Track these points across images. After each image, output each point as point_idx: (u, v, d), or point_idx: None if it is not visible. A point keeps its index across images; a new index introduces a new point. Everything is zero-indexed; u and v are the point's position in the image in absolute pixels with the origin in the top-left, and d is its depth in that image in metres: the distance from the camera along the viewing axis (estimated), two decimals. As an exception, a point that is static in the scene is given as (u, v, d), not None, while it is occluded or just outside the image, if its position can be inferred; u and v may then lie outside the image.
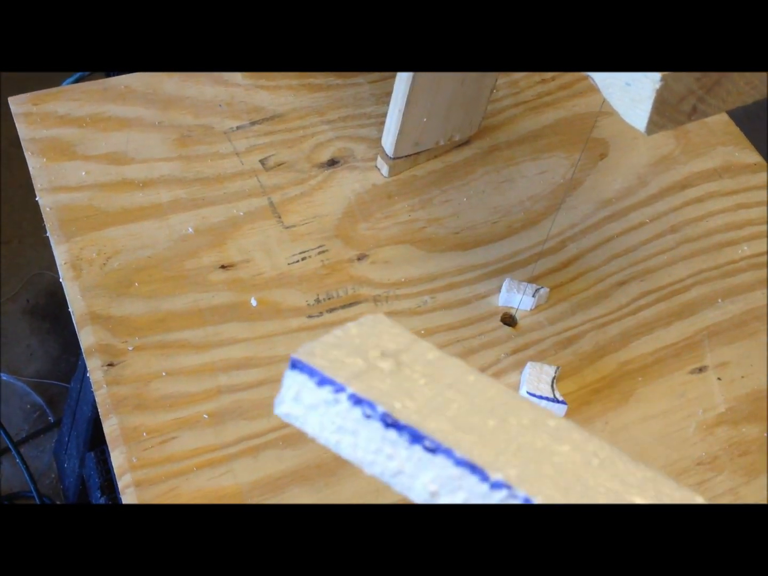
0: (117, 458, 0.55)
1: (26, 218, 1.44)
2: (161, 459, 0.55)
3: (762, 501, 0.58)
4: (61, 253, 0.63)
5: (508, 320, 0.65)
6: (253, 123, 0.72)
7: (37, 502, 1.12)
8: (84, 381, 1.02)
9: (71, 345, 1.34)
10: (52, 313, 1.38)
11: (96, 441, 0.98)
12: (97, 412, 0.57)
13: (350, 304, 0.64)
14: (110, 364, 0.58)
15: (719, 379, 0.63)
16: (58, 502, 1.21)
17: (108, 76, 0.75)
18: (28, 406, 1.30)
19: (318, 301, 0.63)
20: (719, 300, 0.68)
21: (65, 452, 1.13)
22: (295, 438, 0.57)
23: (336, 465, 0.56)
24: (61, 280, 0.62)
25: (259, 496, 0.55)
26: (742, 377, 0.64)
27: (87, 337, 0.59)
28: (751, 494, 0.58)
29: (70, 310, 0.61)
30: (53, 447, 1.24)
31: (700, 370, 0.64)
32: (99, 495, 0.98)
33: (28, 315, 1.38)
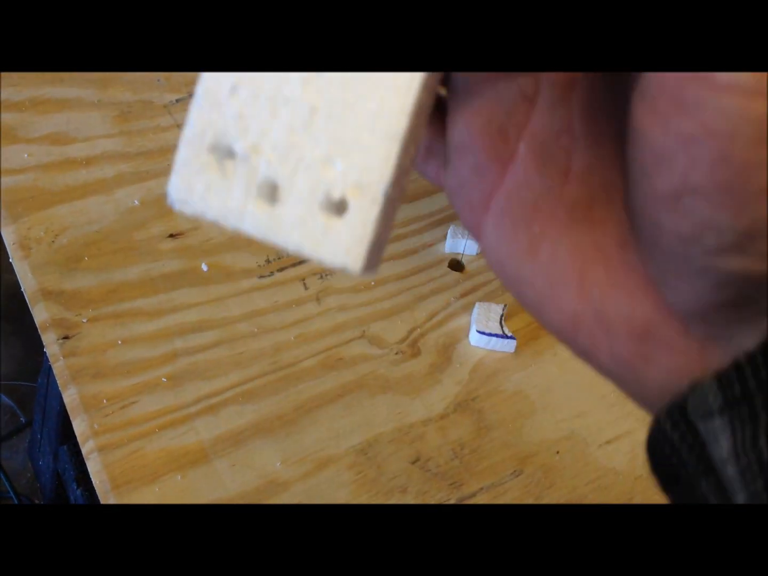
0: (79, 426, 0.56)
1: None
2: (123, 423, 0.56)
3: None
4: (8, 234, 0.63)
5: (455, 266, 0.66)
6: (192, 95, 0.73)
7: (15, 501, 1.12)
8: (50, 376, 1.02)
9: (37, 345, 1.34)
10: (15, 314, 1.37)
11: (68, 434, 0.99)
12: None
13: (300, 263, 0.65)
14: (65, 337, 0.59)
15: (662, 305, 0.65)
16: (36, 501, 1.21)
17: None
18: (-2, 409, 1.29)
19: (268, 261, 0.65)
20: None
21: (39, 449, 1.13)
22: (254, 393, 0.58)
23: (296, 415, 0.58)
24: (10, 260, 0.62)
25: (222, 450, 0.56)
26: (684, 302, 0.66)
27: (40, 313, 0.60)
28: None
29: (22, 289, 0.61)
30: (27, 447, 1.24)
31: (644, 298, 0.66)
32: (75, 487, 0.99)
33: (-9, 319, 1.37)
